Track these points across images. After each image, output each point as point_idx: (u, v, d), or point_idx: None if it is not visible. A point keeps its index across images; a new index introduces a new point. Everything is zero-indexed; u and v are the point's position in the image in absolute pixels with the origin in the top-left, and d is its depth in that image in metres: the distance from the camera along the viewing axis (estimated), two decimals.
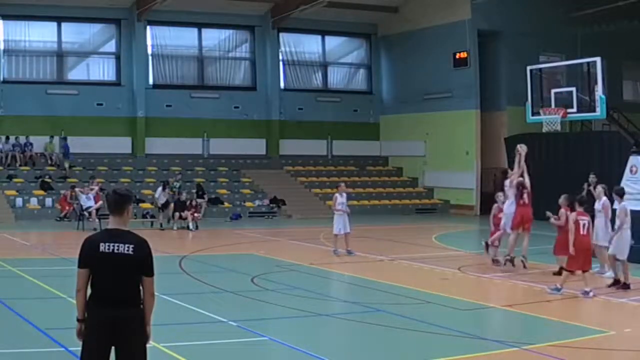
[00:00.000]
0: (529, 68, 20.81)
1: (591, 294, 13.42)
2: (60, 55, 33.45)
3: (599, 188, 16.20)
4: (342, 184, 20.52)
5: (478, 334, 10.89)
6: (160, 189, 26.83)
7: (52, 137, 32.07)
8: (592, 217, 15.03)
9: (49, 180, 30.16)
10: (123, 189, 6.50)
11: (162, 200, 26.35)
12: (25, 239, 22.35)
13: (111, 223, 6.22)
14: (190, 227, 25.95)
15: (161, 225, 26.04)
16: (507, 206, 17.09)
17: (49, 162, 31.74)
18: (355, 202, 33.70)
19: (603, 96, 18.64)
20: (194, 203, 27.11)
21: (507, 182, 17.79)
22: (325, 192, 34.26)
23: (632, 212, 18.17)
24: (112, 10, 33.44)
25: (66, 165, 31.58)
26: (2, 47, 32.25)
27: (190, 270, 16.44)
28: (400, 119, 37.39)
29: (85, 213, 25.20)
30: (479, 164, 33.76)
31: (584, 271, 13.75)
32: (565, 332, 11.08)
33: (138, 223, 25.76)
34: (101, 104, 33.41)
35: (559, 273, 15.25)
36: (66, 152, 31.82)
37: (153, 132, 34.03)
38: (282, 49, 37.19)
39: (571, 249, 13.63)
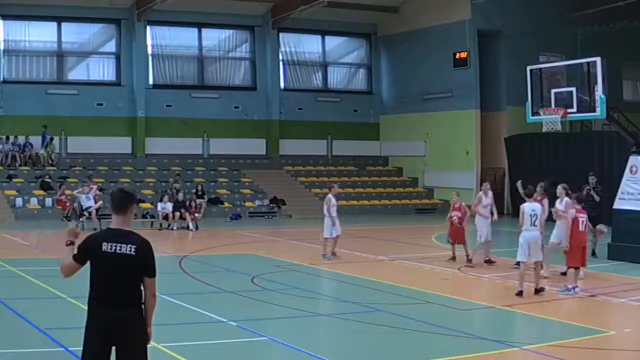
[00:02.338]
0: (529, 68, 20.81)
1: (573, 291, 13.51)
2: (60, 55, 33.46)
3: (560, 188, 16.27)
4: (336, 185, 20.12)
5: (478, 334, 10.89)
6: (165, 203, 26.60)
7: (51, 138, 32.03)
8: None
9: (48, 180, 30.15)
10: (129, 188, 6.48)
11: (169, 209, 26.23)
12: (25, 239, 22.35)
13: (114, 222, 6.21)
14: (190, 227, 25.99)
15: (160, 226, 26.03)
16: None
17: (49, 162, 31.69)
18: (355, 202, 33.80)
19: (603, 96, 18.64)
20: (193, 203, 27.13)
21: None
22: (326, 192, 34.09)
23: (632, 212, 18.29)
24: (112, 10, 33.45)
25: (44, 153, 31.45)
26: (2, 47, 32.27)
27: (190, 270, 16.44)
28: (400, 119, 37.39)
29: (85, 213, 25.22)
30: (479, 164, 33.77)
31: (576, 267, 13.78)
32: (565, 332, 11.08)
33: (138, 223, 25.80)
34: (101, 104, 33.42)
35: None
36: (44, 140, 31.66)
37: (153, 132, 34.04)
38: (282, 49, 37.20)
39: (566, 244, 13.74)
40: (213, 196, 31.40)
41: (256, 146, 36.07)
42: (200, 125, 34.89)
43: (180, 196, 26.89)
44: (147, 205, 29.23)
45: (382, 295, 13.86)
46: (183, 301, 12.73)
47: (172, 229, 25.86)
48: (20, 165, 31.04)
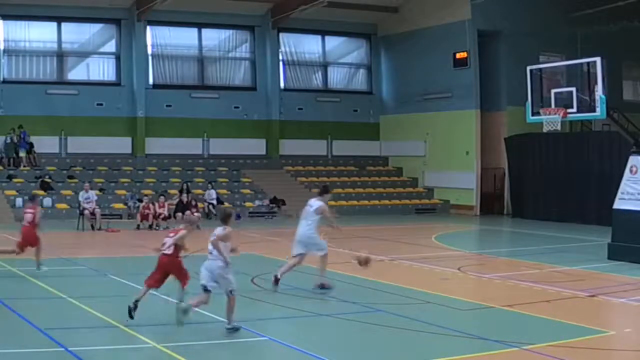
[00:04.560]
0: (529, 68, 20.79)
1: None
2: (60, 55, 33.46)
3: None
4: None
5: (478, 334, 10.89)
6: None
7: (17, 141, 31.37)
8: None
9: (49, 180, 30.15)
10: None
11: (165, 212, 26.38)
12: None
13: None
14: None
15: (146, 226, 26.01)
16: None
17: (32, 164, 31.32)
18: (355, 202, 33.80)
19: (603, 96, 18.63)
20: (193, 203, 27.15)
21: None
22: None
23: (632, 212, 18.28)
24: (112, 10, 33.45)
25: (22, 155, 31.33)
26: (2, 47, 32.28)
27: (190, 270, 16.38)
28: (400, 119, 37.39)
29: (86, 212, 25.24)
30: (479, 164, 33.76)
31: None
32: (565, 332, 11.08)
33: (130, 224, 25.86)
34: (101, 104, 33.42)
35: None
36: (22, 141, 31.41)
37: (153, 132, 34.04)
38: (282, 49, 37.20)
39: None
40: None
41: (256, 146, 36.07)
42: (200, 125, 34.88)
43: (184, 197, 26.95)
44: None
45: (382, 295, 13.87)
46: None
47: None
48: (15, 166, 30.95)
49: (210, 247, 10.88)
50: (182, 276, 11.32)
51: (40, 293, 13.43)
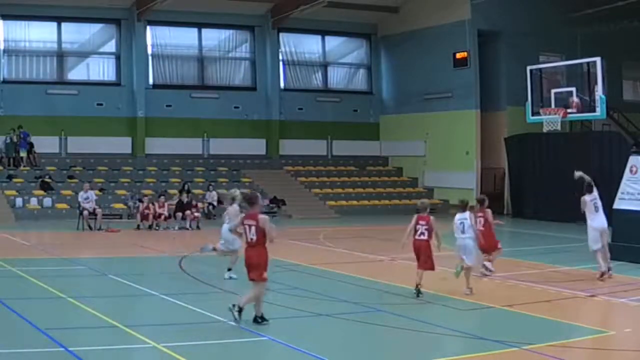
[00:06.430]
0: (529, 68, 20.82)
1: None
2: (60, 55, 33.45)
3: None
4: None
5: (478, 334, 10.89)
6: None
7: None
8: None
9: (49, 180, 30.15)
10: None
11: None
12: (25, 239, 22.34)
13: None
14: (191, 226, 25.99)
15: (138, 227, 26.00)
16: None
17: (32, 164, 31.34)
18: (355, 202, 33.81)
19: (603, 96, 18.64)
20: (193, 203, 27.15)
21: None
22: (326, 192, 34.31)
23: (632, 212, 18.28)
24: (112, 10, 33.45)
25: (22, 155, 31.31)
26: (2, 47, 32.27)
27: (190, 270, 16.43)
28: (400, 119, 37.39)
29: (85, 213, 25.22)
30: (479, 164, 33.75)
31: None
32: (565, 332, 11.07)
33: (130, 224, 25.86)
34: (101, 104, 33.42)
35: None
36: (23, 141, 31.36)
37: (153, 132, 34.04)
38: (282, 49, 37.20)
39: None
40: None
41: (256, 146, 36.07)
42: (200, 125, 34.89)
43: (184, 197, 26.97)
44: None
45: (382, 295, 13.86)
46: (183, 301, 12.72)
47: (173, 228, 25.89)
48: (15, 166, 30.95)
49: (460, 229, 14.21)
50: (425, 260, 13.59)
51: (40, 293, 13.42)
